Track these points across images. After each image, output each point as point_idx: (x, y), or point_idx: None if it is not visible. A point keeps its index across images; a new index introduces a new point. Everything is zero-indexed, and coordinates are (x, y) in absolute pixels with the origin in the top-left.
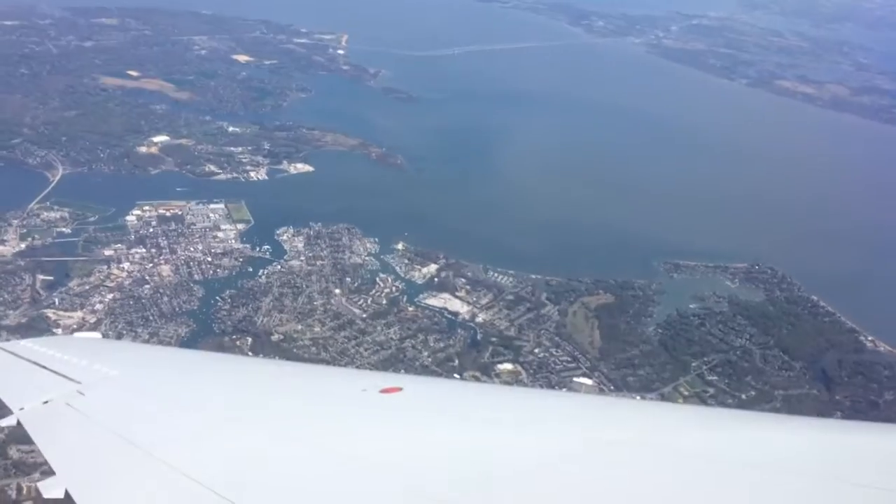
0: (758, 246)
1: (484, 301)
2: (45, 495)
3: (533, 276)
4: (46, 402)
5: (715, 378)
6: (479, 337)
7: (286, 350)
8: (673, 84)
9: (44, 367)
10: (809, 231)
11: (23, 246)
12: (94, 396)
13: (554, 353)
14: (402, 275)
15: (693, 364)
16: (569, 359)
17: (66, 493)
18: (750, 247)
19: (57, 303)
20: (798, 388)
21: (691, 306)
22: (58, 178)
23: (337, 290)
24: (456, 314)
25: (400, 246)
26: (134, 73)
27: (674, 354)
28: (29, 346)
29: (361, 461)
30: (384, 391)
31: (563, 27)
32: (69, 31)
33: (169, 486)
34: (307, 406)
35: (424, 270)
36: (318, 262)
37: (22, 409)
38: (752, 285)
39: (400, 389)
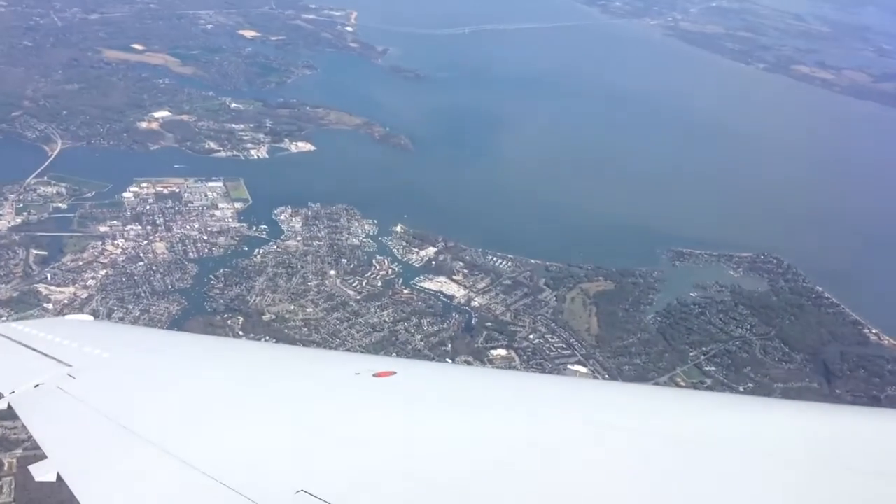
0: (764, 235)
1: (481, 285)
2: (37, 478)
3: (532, 262)
4: (37, 385)
5: (713, 368)
6: (473, 321)
7: (277, 330)
8: (686, 67)
9: (34, 350)
10: (818, 221)
11: (18, 220)
12: (86, 380)
13: (549, 339)
14: (400, 257)
15: (691, 353)
16: (564, 345)
17: (58, 477)
18: (756, 236)
19: (49, 278)
20: (798, 380)
21: (692, 295)
22: (56, 152)
23: (332, 272)
24: (451, 298)
25: (399, 228)
26: (138, 47)
27: (672, 343)
28: (19, 328)
29: (357, 445)
30: (378, 375)
31: (579, 7)
32: (74, 3)
33: (161, 470)
34: (301, 389)
35: (422, 253)
36: (315, 243)
37: (12, 392)
38: (756, 275)
39: (393, 373)
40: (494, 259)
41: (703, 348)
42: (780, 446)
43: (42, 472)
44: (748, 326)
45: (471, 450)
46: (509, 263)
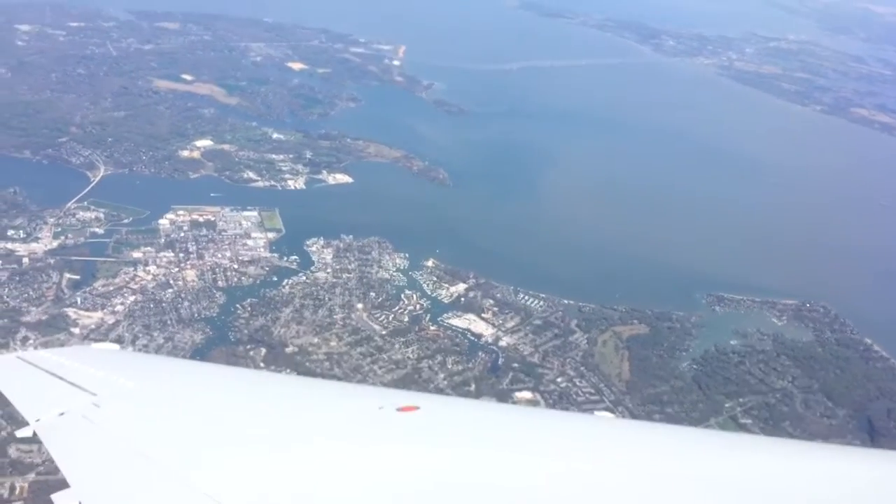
0: (813, 282)
1: (510, 324)
2: None
3: (565, 302)
4: (62, 413)
5: (749, 421)
6: (500, 361)
7: (299, 363)
8: (738, 107)
9: (61, 378)
10: (871, 269)
11: (55, 244)
12: (110, 409)
13: (577, 383)
14: (429, 292)
15: (727, 404)
16: (592, 390)
17: None
18: (804, 283)
19: (79, 302)
20: (839, 437)
21: (732, 342)
22: (98, 178)
23: (359, 305)
24: (479, 336)
25: (430, 263)
26: (187, 77)
27: (707, 393)
28: (46, 356)
29: (379, 480)
30: (401, 409)
31: (630, 45)
32: (131, 34)
33: (183, 502)
34: (324, 423)
35: (452, 289)
36: (345, 275)
37: (38, 420)
38: (800, 324)
39: (417, 408)
40: (526, 298)
41: (740, 399)
42: (800, 487)
43: (64, 501)
44: (790, 378)
45: (495, 488)
46: (541, 303)
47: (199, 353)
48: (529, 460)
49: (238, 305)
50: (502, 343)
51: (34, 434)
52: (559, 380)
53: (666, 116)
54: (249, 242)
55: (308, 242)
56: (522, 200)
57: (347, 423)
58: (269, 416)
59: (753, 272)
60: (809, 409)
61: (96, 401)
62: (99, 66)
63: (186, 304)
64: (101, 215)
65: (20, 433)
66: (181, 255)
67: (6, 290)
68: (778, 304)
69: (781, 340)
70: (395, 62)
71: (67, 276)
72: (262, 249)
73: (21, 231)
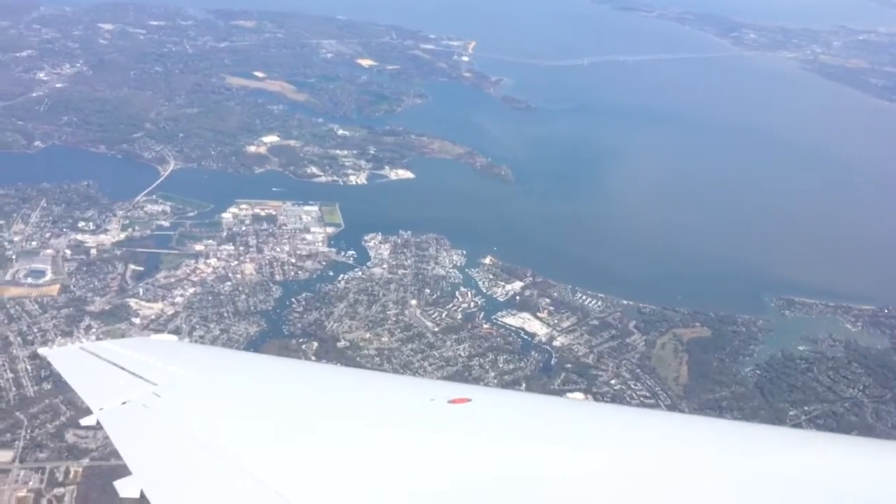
0: (892, 288)
1: (566, 324)
2: (122, 494)
3: (624, 302)
4: (124, 402)
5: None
6: (553, 361)
7: (350, 358)
8: (819, 103)
9: (122, 369)
10: None
11: (122, 236)
12: (170, 399)
13: (632, 385)
14: (484, 290)
15: (791, 412)
16: (647, 394)
17: (141, 493)
18: (882, 288)
19: (141, 293)
20: None
21: (800, 348)
22: (168, 172)
23: (413, 301)
24: (533, 335)
25: (487, 260)
26: (259, 74)
27: (770, 400)
28: (108, 346)
29: (432, 469)
30: (453, 401)
31: (710, 38)
32: (207, 33)
33: (242, 490)
34: (378, 414)
35: (508, 287)
36: (400, 271)
37: (101, 408)
38: (876, 331)
39: (468, 400)
40: (584, 297)
41: (806, 408)
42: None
43: (126, 488)
44: (861, 387)
45: (546, 480)
46: (599, 303)
47: (253, 346)
48: (582, 453)
49: (293, 299)
50: (556, 343)
51: (97, 422)
52: (613, 382)
53: (742, 112)
54: (308, 237)
55: (366, 238)
56: (586, 199)
57: (399, 413)
58: (324, 406)
59: (828, 275)
60: (880, 420)
61: (157, 390)
62: (175, 63)
63: (243, 296)
64: (168, 208)
65: (84, 421)
66: (241, 248)
67: (73, 279)
68: (853, 309)
69: (854, 347)
70: (465, 58)
71: (132, 267)
72: (320, 244)
73: (91, 223)
